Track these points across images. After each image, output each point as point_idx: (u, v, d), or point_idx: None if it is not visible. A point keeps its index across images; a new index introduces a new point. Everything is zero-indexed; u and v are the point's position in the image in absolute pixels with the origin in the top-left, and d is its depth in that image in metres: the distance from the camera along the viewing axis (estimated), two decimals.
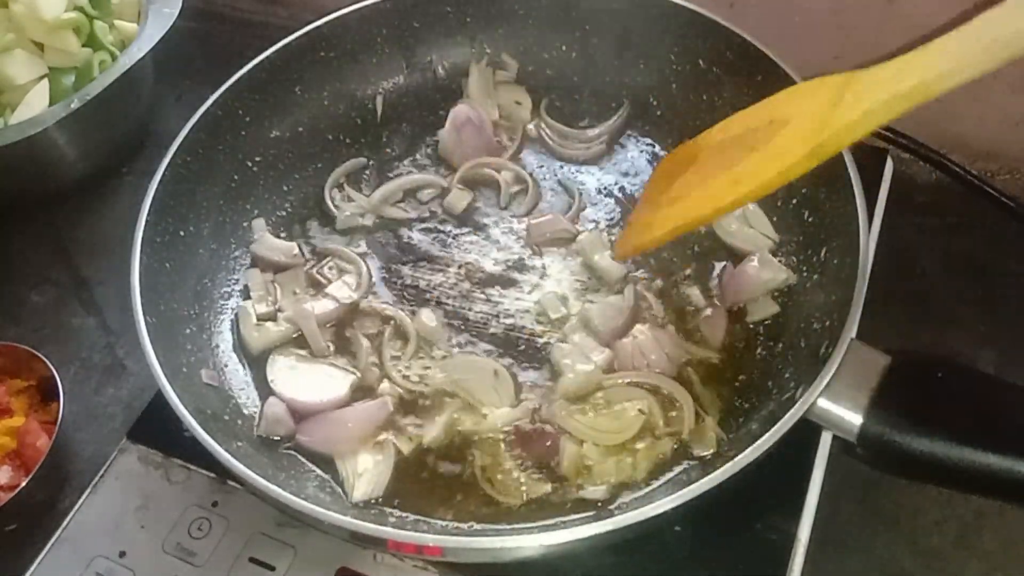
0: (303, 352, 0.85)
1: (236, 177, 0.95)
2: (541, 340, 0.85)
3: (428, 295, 0.89)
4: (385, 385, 0.82)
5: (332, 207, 0.97)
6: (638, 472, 0.75)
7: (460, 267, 0.91)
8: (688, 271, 0.87)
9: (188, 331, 0.84)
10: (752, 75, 0.89)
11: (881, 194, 0.94)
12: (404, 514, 0.75)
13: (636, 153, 0.98)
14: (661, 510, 0.62)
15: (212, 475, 0.81)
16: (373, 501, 0.75)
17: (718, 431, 0.77)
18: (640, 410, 0.78)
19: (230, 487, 0.80)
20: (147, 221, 0.82)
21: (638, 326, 0.83)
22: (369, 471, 0.76)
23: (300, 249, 0.93)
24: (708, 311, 0.84)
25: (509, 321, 0.86)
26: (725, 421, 0.78)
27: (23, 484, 0.81)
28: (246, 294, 0.90)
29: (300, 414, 0.80)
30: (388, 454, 0.78)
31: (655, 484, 0.75)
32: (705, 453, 0.76)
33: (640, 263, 0.88)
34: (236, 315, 0.88)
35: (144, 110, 1.17)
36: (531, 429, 0.79)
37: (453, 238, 0.94)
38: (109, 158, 1.13)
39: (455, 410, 0.80)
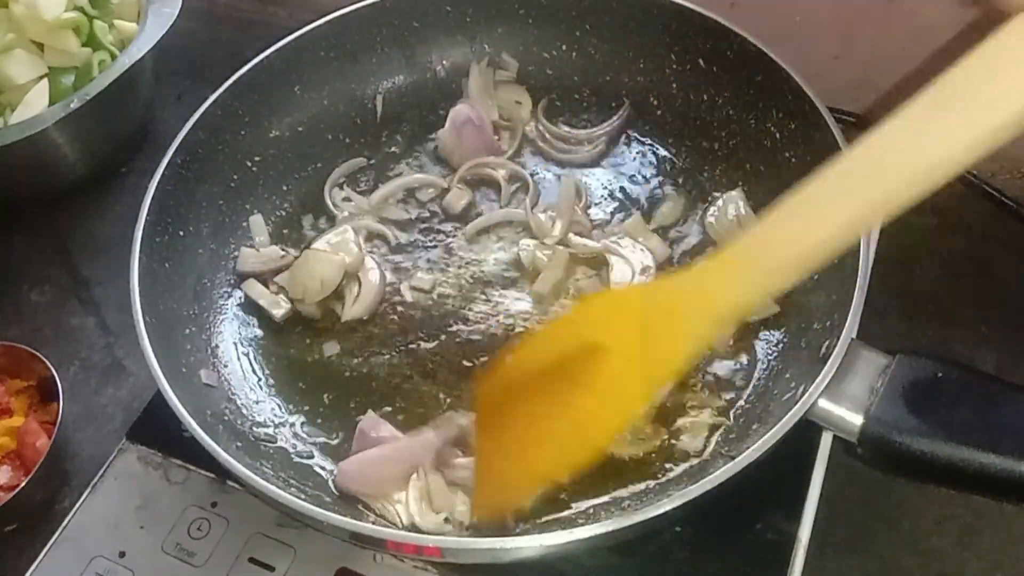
0: None
1: (236, 177, 0.95)
2: None
3: (428, 294, 0.89)
4: None
5: (332, 207, 0.97)
6: None
7: (460, 267, 0.91)
8: None
9: (188, 331, 0.84)
10: (752, 75, 0.89)
11: None
12: None
13: (636, 153, 0.98)
14: (661, 510, 0.62)
15: (212, 475, 0.81)
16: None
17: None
18: None
19: (230, 487, 0.80)
20: (147, 221, 0.82)
21: None
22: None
23: (284, 248, 0.93)
24: None
25: (509, 321, 0.86)
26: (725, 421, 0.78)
27: (23, 484, 0.81)
28: (245, 296, 0.90)
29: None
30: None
31: (654, 484, 0.75)
32: (704, 455, 0.76)
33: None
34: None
35: (144, 110, 1.17)
36: None
37: (453, 238, 0.94)
38: (109, 158, 1.12)
39: None
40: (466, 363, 0.84)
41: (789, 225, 0.47)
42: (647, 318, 0.55)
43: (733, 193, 0.90)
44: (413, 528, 0.73)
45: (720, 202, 0.90)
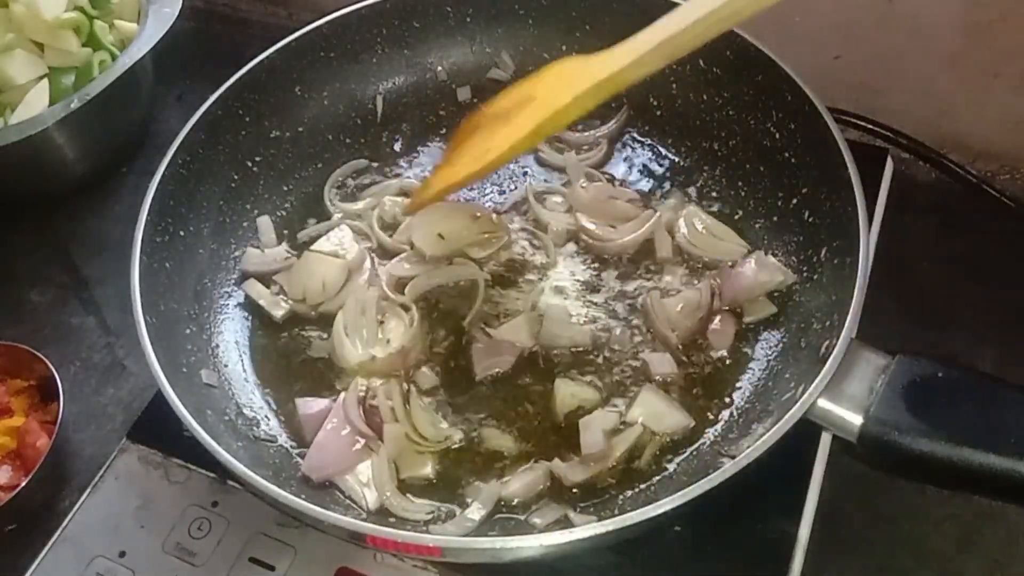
0: None
1: (236, 177, 0.95)
2: None
3: (428, 294, 0.89)
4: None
5: (332, 207, 0.97)
6: None
7: None
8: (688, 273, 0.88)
9: (188, 331, 0.84)
10: (752, 75, 0.89)
11: (881, 194, 0.94)
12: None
13: (637, 153, 0.98)
14: (661, 510, 0.62)
15: (212, 475, 0.81)
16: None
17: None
18: None
19: (230, 487, 0.80)
20: (147, 221, 0.82)
21: None
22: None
23: (289, 249, 0.93)
24: (716, 322, 0.83)
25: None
26: (725, 422, 0.78)
27: (23, 484, 0.81)
28: (246, 296, 0.90)
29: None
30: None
31: (654, 484, 0.75)
32: (702, 453, 0.76)
33: (637, 259, 0.89)
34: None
35: (144, 110, 1.17)
36: None
37: None
38: (109, 158, 1.13)
39: None
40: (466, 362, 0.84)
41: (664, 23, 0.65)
42: (564, 80, 0.70)
43: (690, 208, 0.90)
44: (382, 511, 0.74)
45: (682, 223, 0.90)
